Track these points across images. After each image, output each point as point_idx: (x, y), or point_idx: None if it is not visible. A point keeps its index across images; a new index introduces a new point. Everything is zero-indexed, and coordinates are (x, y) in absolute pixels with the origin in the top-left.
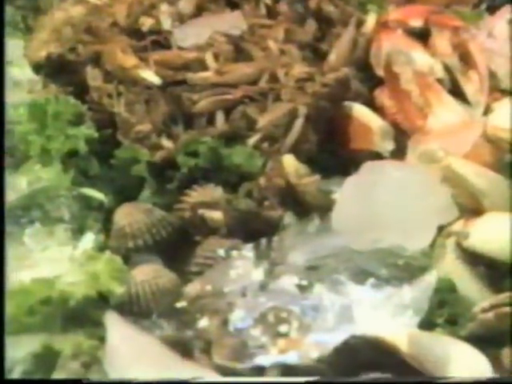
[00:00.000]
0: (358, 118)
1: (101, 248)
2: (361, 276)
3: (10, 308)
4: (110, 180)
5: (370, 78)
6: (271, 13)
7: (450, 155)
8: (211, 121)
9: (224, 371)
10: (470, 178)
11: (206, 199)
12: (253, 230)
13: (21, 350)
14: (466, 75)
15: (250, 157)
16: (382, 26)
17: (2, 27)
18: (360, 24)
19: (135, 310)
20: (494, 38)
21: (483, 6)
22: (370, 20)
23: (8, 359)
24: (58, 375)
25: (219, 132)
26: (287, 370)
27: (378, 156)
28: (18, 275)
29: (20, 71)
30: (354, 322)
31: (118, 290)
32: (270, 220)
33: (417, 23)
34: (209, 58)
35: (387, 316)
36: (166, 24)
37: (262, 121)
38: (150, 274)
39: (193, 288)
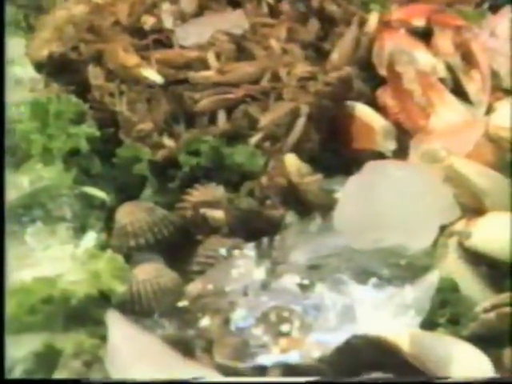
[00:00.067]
0: (360, 118)
1: (102, 247)
2: (363, 276)
3: (11, 307)
4: (111, 179)
5: (372, 78)
6: (273, 12)
7: (453, 155)
8: (213, 120)
9: (225, 370)
10: (472, 177)
11: (208, 198)
12: (254, 229)
13: (22, 349)
14: (468, 74)
15: (251, 156)
16: (385, 25)
17: (2, 26)
18: (363, 23)
19: (137, 308)
20: (497, 38)
21: (485, 6)
22: (373, 19)
23: (9, 358)
24: (59, 374)
25: (221, 131)
26: (289, 369)
27: (380, 155)
28: (20, 274)
29: (22, 70)
30: (356, 322)
31: (120, 288)
32: (272, 219)
33: (419, 23)
34: (211, 56)
35: (389, 316)
36: (168, 23)
37: (264, 120)
38: (151, 272)
39: (194, 287)
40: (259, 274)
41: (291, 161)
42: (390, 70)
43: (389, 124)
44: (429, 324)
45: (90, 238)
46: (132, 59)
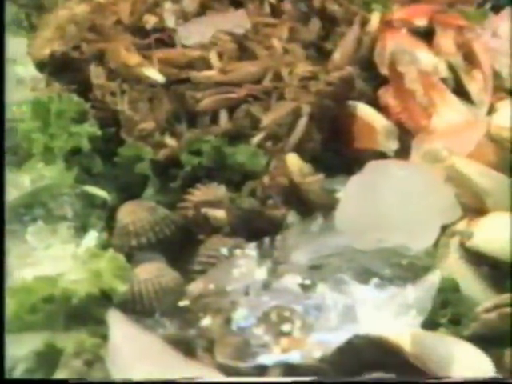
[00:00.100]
0: (362, 118)
1: (104, 246)
2: (364, 275)
3: (12, 306)
4: (113, 178)
5: (374, 77)
6: (275, 11)
7: (454, 155)
8: (215, 119)
9: (227, 370)
10: (474, 177)
11: (210, 198)
12: (256, 228)
13: (23, 348)
14: (470, 74)
15: (253, 156)
16: (387, 25)
17: (3, 25)
18: (364, 23)
19: (138, 308)
20: (499, 38)
21: (488, 6)
22: (375, 19)
23: (11, 357)
24: (60, 373)
25: (223, 131)
26: (290, 369)
27: (381, 155)
28: (21, 273)
29: (23, 69)
30: (357, 322)
31: (121, 288)
32: (274, 219)
33: (421, 22)
34: (213, 56)
35: (390, 316)
36: (170, 22)
37: (266, 120)
38: (153, 272)
39: (196, 287)
40: (261, 273)
41: (293, 160)
42: (392, 70)
43: (390, 124)
44: (430, 324)
45: (92, 238)
46: (134, 58)
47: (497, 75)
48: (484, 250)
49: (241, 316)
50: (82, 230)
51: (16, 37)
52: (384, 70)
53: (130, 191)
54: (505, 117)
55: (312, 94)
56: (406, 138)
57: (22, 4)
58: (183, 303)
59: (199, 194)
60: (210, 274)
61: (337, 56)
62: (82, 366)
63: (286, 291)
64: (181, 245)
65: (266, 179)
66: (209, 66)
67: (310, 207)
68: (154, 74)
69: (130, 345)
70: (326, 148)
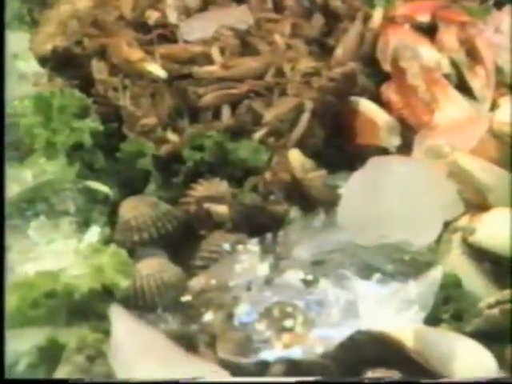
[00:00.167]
0: (364, 113)
1: (106, 241)
2: (366, 271)
3: (14, 301)
4: (115, 173)
5: (376, 73)
6: (278, 7)
7: (456, 151)
8: (217, 115)
9: (228, 366)
10: (476, 173)
11: (212, 193)
12: (258, 224)
13: (25, 343)
14: (472, 70)
15: (255, 151)
16: (389, 20)
17: (3, 21)
18: (367, 19)
19: (140, 303)
20: (501, 34)
21: (490, 1)
22: (377, 15)
23: (13, 352)
24: (62, 368)
25: (225, 126)
26: (292, 365)
27: (384, 151)
28: (23, 268)
29: (26, 64)
30: (359, 318)
31: (123, 283)
32: (276, 214)
33: (424, 18)
34: (215, 51)
35: (393, 311)
36: (172, 17)
37: (268, 115)
38: (155, 267)
39: (198, 282)
40: (263, 269)
41: (295, 156)
42: (395, 66)
43: (393, 120)
44: (432, 320)
45: (94, 233)
46: (136, 54)
47: (499, 71)
48: (486, 246)
49: (243, 311)
50: (84, 225)
51: (18, 32)
52: (386, 66)
53: (132, 186)
54: (507, 112)
55: (314, 90)
56: (408, 133)
57: None
58: (185, 298)
59: (201, 189)
60: (212, 270)
61: (339, 52)
62: (84, 361)
63: (288, 287)
64: (183, 240)
65: (268, 175)
66: (211, 62)
67: (312, 203)
68: (156, 69)
69: (132, 340)
70: (328, 144)
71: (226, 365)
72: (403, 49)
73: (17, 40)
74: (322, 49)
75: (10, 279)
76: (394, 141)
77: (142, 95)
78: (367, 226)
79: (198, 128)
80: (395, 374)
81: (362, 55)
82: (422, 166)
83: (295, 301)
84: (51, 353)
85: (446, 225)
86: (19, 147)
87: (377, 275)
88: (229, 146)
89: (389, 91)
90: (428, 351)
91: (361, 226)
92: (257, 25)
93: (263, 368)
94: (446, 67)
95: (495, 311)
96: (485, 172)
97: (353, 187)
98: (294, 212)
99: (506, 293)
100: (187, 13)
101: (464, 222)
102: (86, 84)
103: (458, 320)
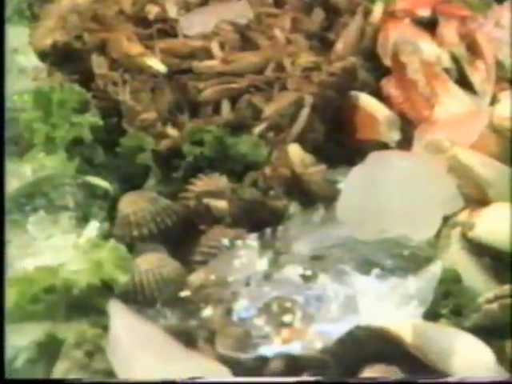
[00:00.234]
0: (364, 108)
1: (105, 236)
2: (365, 266)
3: (13, 296)
4: (114, 168)
5: (376, 68)
6: (278, 2)
7: (456, 145)
8: (217, 110)
9: (227, 361)
10: (476, 168)
11: (211, 188)
12: (257, 219)
13: (24, 338)
14: (472, 65)
15: (255, 146)
16: (390, 15)
17: (3, 16)
18: (367, 13)
19: (139, 298)
20: (502, 28)
21: None
22: (378, 9)
23: (12, 347)
24: (61, 364)
25: (225, 121)
26: (291, 360)
27: (384, 146)
28: (22, 263)
29: (25, 59)
30: (359, 313)
31: (122, 278)
32: (275, 209)
33: (424, 13)
34: (215, 46)
35: (392, 307)
36: (172, 12)
37: (268, 110)
38: (154, 262)
39: (197, 277)
40: (262, 264)
41: (295, 151)
42: (395, 60)
43: (393, 114)
44: (431, 315)
45: (93, 228)
46: (136, 48)
47: (500, 65)
48: (486, 241)
49: (242, 307)
50: (83, 220)
51: (18, 26)
52: (387, 61)
53: (132, 181)
54: (507, 107)
55: (314, 85)
56: (408, 128)
57: None
58: (184, 294)
59: (201, 184)
60: (211, 265)
61: (339, 46)
62: (82, 356)
63: (287, 282)
64: (182, 235)
65: (267, 170)
66: (211, 56)
67: (312, 198)
68: (156, 64)
69: (131, 335)
70: (328, 139)
71: (224, 360)
72: (403, 43)
73: (16, 34)
74: (322, 43)
75: (8, 274)
76: (394, 135)
77: (142, 90)
78: (367, 221)
79: (197, 123)
80: (394, 370)
81: (362, 50)
82: (421, 161)
83: (294, 296)
84: (50, 348)
85: (446, 220)
86: (18, 142)
87: (376, 270)
88: (229, 140)
89: (389, 86)
90: (427, 346)
91: (360, 220)
92: (257, 19)
93: (262, 363)
94: (446, 62)
95: (494, 306)
96: (485, 167)
97: (352, 182)
98: (294, 207)
99: (505, 288)
100: (187, 7)
101: (464, 216)
102: (86, 79)
103: (457, 315)
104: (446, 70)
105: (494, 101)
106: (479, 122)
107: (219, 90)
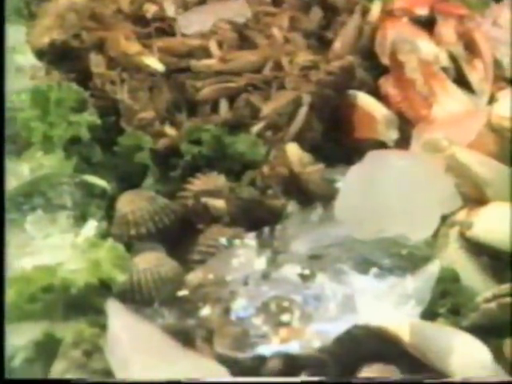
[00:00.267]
0: (362, 107)
1: (103, 235)
2: (364, 265)
3: (11, 295)
4: (112, 167)
5: (374, 67)
6: (276, 0)
7: (454, 144)
8: (215, 108)
9: (225, 360)
10: (474, 167)
11: (209, 187)
12: (256, 218)
13: (22, 338)
14: (470, 64)
15: (253, 145)
16: (388, 14)
17: (3, 14)
18: (365, 12)
19: (137, 298)
20: (500, 27)
21: None
22: (376, 8)
23: (10, 346)
24: (59, 363)
25: (223, 120)
26: (289, 359)
27: (382, 145)
28: (20, 262)
29: (23, 57)
30: (357, 312)
31: (120, 277)
32: (273, 209)
33: (422, 11)
34: (213, 45)
35: (390, 306)
36: (170, 11)
37: (266, 109)
38: (152, 261)
39: (195, 276)
40: (260, 263)
41: (293, 150)
42: (393, 59)
43: (391, 113)
44: (429, 314)
45: (91, 227)
46: (134, 47)
47: (497, 64)
48: (484, 240)
49: (240, 306)
50: (81, 219)
51: (15, 25)
52: (385, 60)
53: (130, 180)
54: (505, 106)
55: (312, 84)
56: (406, 127)
57: None
58: (182, 293)
59: (199, 183)
60: (210, 264)
61: (337, 45)
62: (80, 355)
63: (285, 281)
64: (180, 234)
65: (265, 169)
66: (209, 55)
67: (310, 197)
68: (153, 62)
69: (129, 335)
70: (326, 138)
71: (222, 359)
72: (401, 42)
73: (14, 33)
74: (320, 42)
75: (6, 273)
76: (392, 134)
77: (140, 89)
78: (365, 220)
79: (195, 122)
80: (392, 369)
81: (360, 49)
82: (419, 160)
83: (292, 295)
84: (48, 347)
85: (444, 219)
86: (16, 141)
87: (374, 269)
88: (226, 139)
89: (387, 85)
90: (425, 346)
91: (358, 220)
92: (255, 18)
93: (260, 363)
94: (444, 61)
95: (492, 305)
96: (483, 166)
97: (350, 181)
98: (292, 206)
99: (503, 287)
100: (185, 6)
101: (462, 216)
102: (84, 77)
103: (455, 314)
104: (444, 69)
105: (491, 100)
106: (477, 121)
107: (217, 89)
